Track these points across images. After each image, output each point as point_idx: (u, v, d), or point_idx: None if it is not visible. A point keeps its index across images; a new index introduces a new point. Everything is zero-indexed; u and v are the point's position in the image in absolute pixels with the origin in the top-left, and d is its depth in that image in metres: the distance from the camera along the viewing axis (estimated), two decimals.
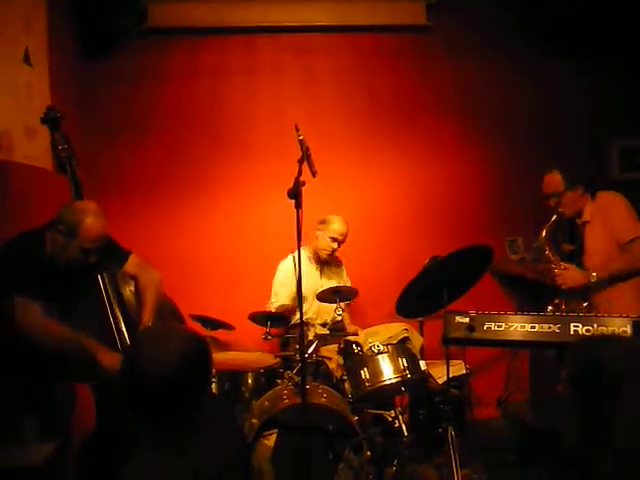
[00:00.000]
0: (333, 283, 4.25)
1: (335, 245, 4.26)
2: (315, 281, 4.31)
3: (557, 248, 3.57)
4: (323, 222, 4.26)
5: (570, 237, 3.68)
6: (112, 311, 2.81)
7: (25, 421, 2.68)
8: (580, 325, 3.02)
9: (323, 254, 4.29)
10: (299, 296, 2.82)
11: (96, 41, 4.56)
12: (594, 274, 3.37)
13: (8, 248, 2.78)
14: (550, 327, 3.07)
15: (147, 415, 1.35)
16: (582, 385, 1.41)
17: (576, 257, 3.57)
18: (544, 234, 3.50)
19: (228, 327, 3.89)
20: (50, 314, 2.65)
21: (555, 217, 3.49)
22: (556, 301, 3.48)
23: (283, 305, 4.23)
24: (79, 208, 2.78)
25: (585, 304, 3.42)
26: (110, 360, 2.59)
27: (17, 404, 2.69)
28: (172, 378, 1.34)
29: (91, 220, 2.72)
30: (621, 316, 2.99)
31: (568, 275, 3.45)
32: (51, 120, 3.05)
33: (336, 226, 4.22)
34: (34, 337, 2.60)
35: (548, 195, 3.55)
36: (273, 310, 4.18)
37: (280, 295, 4.28)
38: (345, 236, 4.27)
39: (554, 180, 3.54)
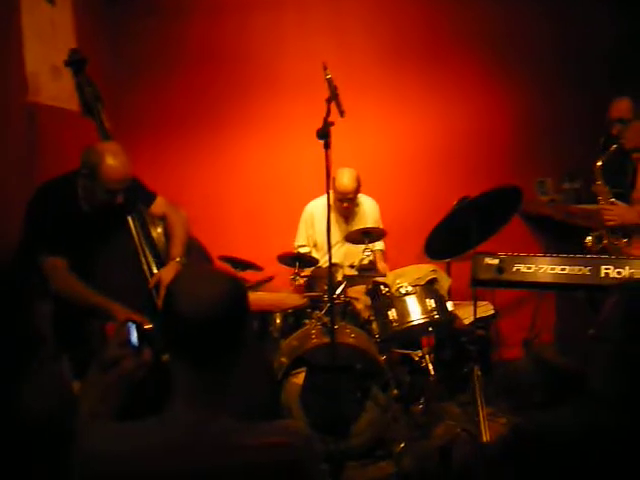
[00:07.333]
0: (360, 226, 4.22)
1: (345, 204, 4.22)
2: (340, 228, 4.30)
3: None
4: (333, 179, 4.12)
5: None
6: (143, 252, 2.83)
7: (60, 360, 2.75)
8: (611, 267, 2.98)
9: (339, 211, 4.29)
10: (328, 237, 2.81)
11: None
12: None
13: (41, 193, 2.78)
14: (580, 269, 3.04)
15: (193, 358, 1.36)
16: (634, 326, 1.41)
17: (625, 192, 3.40)
18: (600, 164, 3.29)
19: (257, 268, 3.92)
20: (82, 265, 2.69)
21: (614, 147, 3.28)
22: (597, 233, 3.32)
23: (303, 247, 4.32)
24: (97, 150, 2.71)
25: (625, 240, 3.26)
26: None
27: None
28: (219, 318, 1.35)
29: (110, 160, 2.65)
30: None
31: (617, 211, 3.25)
32: (75, 63, 2.99)
33: (341, 188, 4.13)
34: (63, 296, 2.68)
35: (613, 120, 3.36)
36: (295, 250, 4.25)
37: (300, 237, 4.41)
38: (353, 193, 4.19)
39: (623, 106, 3.35)
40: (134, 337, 1.54)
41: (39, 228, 2.71)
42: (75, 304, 2.66)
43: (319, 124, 2.73)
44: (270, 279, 3.93)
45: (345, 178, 4.13)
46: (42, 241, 2.70)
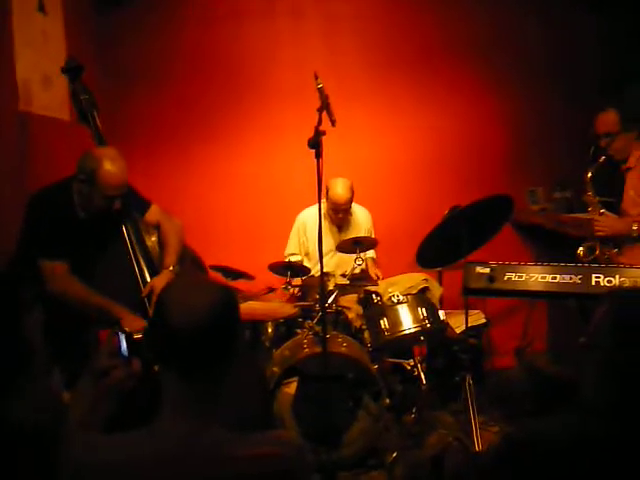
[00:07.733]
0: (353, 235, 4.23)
1: (340, 215, 4.23)
2: (334, 237, 4.30)
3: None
4: (327, 189, 4.14)
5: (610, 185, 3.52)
6: (137, 260, 2.81)
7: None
8: (602, 276, 2.99)
9: (333, 221, 4.30)
10: (319, 246, 2.81)
11: None
12: (635, 227, 3.18)
13: (36, 200, 2.76)
14: (571, 278, 3.05)
15: (184, 368, 1.36)
16: (623, 334, 1.43)
17: (614, 204, 3.40)
18: (589, 175, 3.30)
19: (248, 277, 3.92)
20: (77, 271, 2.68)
21: (603, 159, 3.28)
22: (589, 244, 3.33)
23: (293, 255, 4.32)
24: (95, 155, 2.69)
25: (615, 250, 3.29)
26: (134, 325, 2.56)
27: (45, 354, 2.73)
28: (210, 328, 1.34)
29: (108, 166, 2.64)
30: None
31: (606, 222, 3.28)
32: (72, 70, 2.99)
33: (335, 198, 4.13)
34: (63, 300, 2.65)
35: (600, 135, 3.32)
36: (286, 258, 4.25)
37: (291, 245, 4.39)
38: (347, 203, 4.17)
39: (609, 119, 3.30)
40: (124, 347, 1.54)
41: (35, 235, 2.70)
42: (75, 306, 2.64)
43: (311, 133, 2.73)
44: (272, 290, 3.91)
45: (339, 188, 4.13)
46: (39, 247, 2.68)
